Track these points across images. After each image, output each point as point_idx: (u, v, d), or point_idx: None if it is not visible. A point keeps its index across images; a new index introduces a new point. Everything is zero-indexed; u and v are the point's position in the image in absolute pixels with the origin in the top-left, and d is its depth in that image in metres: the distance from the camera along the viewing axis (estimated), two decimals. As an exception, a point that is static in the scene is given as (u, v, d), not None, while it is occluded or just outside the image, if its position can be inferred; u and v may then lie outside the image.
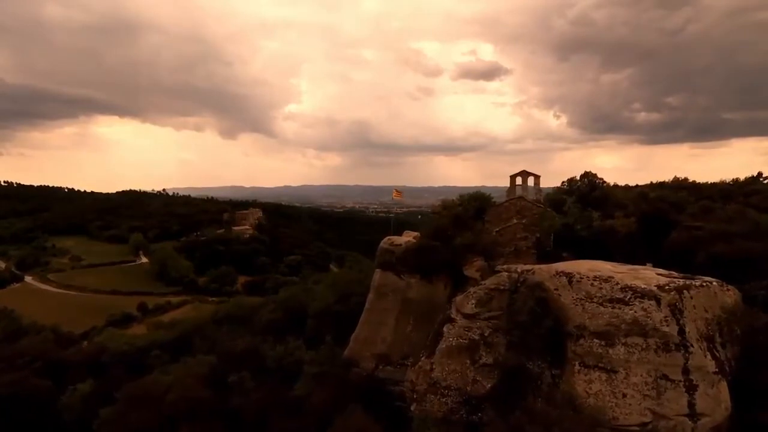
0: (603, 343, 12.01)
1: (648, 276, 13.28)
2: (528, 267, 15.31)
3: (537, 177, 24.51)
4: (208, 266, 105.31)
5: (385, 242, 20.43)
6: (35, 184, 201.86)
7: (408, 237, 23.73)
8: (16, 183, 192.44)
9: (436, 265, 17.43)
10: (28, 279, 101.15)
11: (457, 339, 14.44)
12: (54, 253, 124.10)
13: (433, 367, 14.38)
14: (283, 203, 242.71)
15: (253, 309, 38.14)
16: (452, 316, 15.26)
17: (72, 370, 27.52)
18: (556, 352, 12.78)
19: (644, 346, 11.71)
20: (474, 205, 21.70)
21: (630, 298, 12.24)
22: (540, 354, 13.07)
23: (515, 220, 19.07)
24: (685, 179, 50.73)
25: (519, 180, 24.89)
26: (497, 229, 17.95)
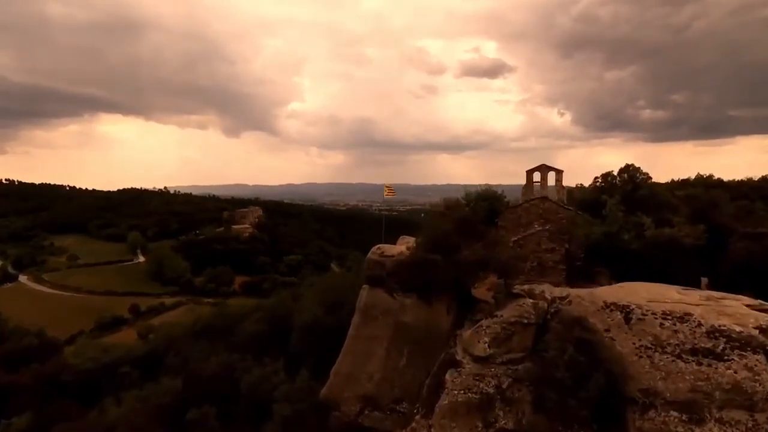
0: (686, 417, 8.03)
1: (739, 311, 9.24)
2: (560, 292, 11.33)
3: (559, 172, 20.44)
4: (206, 266, 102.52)
5: (374, 252, 16.51)
6: (40, 182, 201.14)
7: (404, 245, 19.81)
8: (17, 181, 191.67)
9: (436, 283, 13.56)
10: (22, 279, 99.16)
11: (465, 392, 10.54)
12: (52, 252, 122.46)
13: (432, 431, 10.52)
14: (285, 201, 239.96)
15: (237, 318, 34.55)
16: (458, 357, 11.36)
17: (21, 394, 24.14)
18: (609, 423, 8.83)
19: (750, 425, 7.72)
20: (483, 206, 17.71)
21: (724, 348, 8.24)
22: (584, 423, 9.11)
23: (537, 226, 15.04)
24: (710, 176, 46.00)
25: (537, 176, 20.87)
26: (515, 238, 13.99)
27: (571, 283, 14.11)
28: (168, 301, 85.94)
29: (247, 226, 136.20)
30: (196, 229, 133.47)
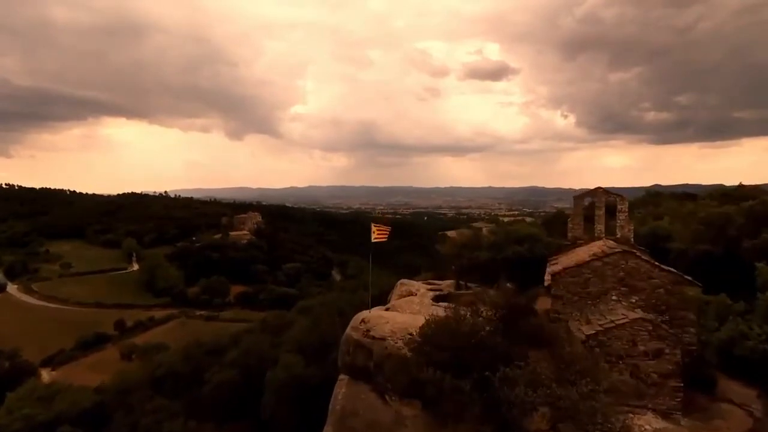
0: None
1: None
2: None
3: (622, 199, 14.56)
4: (201, 275, 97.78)
5: (355, 327, 10.88)
6: (46, 186, 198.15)
7: (404, 302, 14.11)
8: (17, 186, 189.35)
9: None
10: (11, 289, 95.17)
11: None
12: (46, 259, 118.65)
13: None
14: (288, 204, 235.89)
15: (206, 358, 29.14)
16: None
17: None
18: None
19: None
20: (519, 252, 11.96)
21: None
22: None
23: (615, 297, 9.28)
24: (756, 187, 39.73)
25: (588, 202, 15.04)
26: (591, 332, 8.24)
27: (685, 404, 8.32)
28: (158, 314, 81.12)
29: (245, 232, 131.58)
30: (194, 235, 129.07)
